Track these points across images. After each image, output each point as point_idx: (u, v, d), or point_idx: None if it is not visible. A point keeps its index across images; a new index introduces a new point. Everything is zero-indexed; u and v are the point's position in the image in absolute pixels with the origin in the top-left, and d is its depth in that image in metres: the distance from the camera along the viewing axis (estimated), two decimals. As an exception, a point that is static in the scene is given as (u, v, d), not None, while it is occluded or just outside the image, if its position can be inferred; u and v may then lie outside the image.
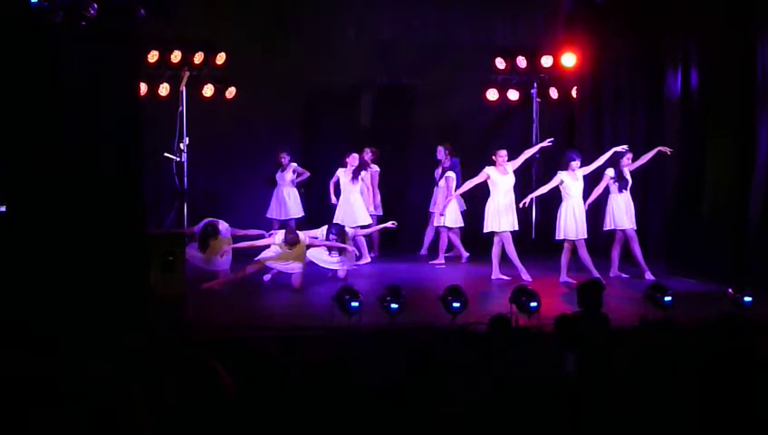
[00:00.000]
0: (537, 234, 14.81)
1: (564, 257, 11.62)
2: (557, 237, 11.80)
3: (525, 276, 11.66)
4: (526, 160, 12.53)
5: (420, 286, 11.07)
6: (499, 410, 3.66)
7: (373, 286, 10.34)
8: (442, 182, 13.32)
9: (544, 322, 8.43)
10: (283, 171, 13.90)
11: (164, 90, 13.60)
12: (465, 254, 13.55)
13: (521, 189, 12.26)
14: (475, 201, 12.45)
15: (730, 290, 9.38)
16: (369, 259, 13.35)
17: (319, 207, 14.08)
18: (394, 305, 8.69)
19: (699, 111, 11.92)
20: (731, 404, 3.88)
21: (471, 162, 13.09)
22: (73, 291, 8.04)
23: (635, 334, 5.89)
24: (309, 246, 11.45)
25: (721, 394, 3.92)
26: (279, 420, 3.88)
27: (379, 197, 13.94)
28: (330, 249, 11.67)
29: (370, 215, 13.72)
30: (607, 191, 11.94)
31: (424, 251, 14.03)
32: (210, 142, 13.90)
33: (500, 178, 11.89)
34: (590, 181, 11.97)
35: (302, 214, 13.95)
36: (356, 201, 13.16)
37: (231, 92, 14.16)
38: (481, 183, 11.96)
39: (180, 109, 13.22)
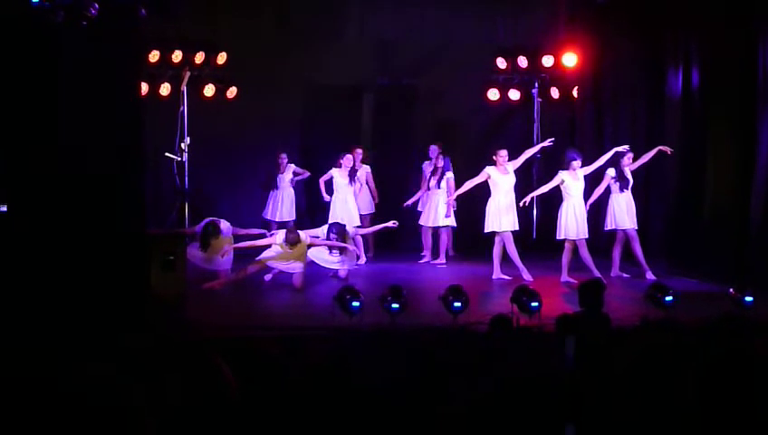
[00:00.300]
0: (538, 234, 14.80)
1: (565, 257, 11.62)
2: (558, 237, 11.79)
3: (526, 276, 11.65)
4: (527, 160, 12.52)
5: (421, 286, 11.07)
6: (499, 410, 3.66)
7: (374, 286, 10.34)
8: (443, 184, 13.28)
9: (545, 322, 8.42)
10: (282, 173, 13.87)
11: (165, 90, 13.61)
12: (426, 255, 13.51)
13: (521, 189, 12.25)
14: (476, 201, 12.44)
15: (731, 290, 9.38)
16: (364, 259, 13.36)
17: (322, 206, 14.05)
18: (395, 305, 8.69)
19: (700, 111, 11.92)
20: (732, 404, 3.88)
21: (471, 162, 13.10)
22: (74, 291, 8.04)
23: (636, 334, 5.88)
24: (310, 246, 11.46)
25: (722, 394, 3.91)
26: (279, 421, 3.88)
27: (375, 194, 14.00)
28: (330, 249, 11.67)
29: (367, 214, 13.75)
30: (608, 191, 11.94)
31: (424, 252, 14.03)
32: (211, 142, 13.91)
33: (501, 177, 11.89)
34: (592, 181, 11.96)
35: (294, 217, 13.93)
36: (351, 201, 13.16)
37: (232, 92, 14.16)
38: (481, 183, 11.96)
39: (181, 109, 13.23)
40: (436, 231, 13.54)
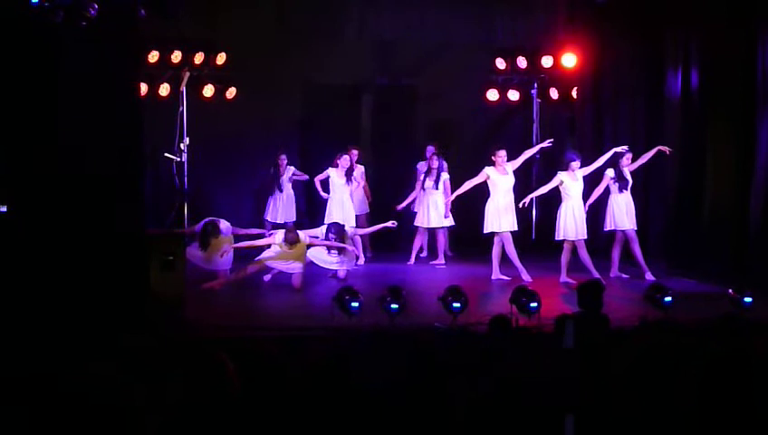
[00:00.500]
0: (537, 234, 14.80)
1: (564, 258, 11.62)
2: (557, 238, 11.80)
3: (525, 277, 11.65)
4: (526, 161, 12.52)
5: (420, 287, 11.07)
6: (499, 411, 3.67)
7: (373, 287, 10.34)
8: (440, 186, 13.28)
9: (544, 322, 8.43)
10: (282, 175, 13.83)
11: (164, 90, 13.60)
12: (413, 259, 13.54)
13: (521, 190, 12.25)
14: (475, 202, 12.44)
15: (730, 290, 9.38)
16: (363, 260, 13.36)
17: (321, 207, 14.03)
18: (394, 306, 8.69)
19: (700, 111, 11.92)
20: (731, 404, 3.88)
21: (470, 163, 13.10)
22: (73, 291, 8.04)
23: (635, 335, 5.89)
24: (309, 246, 11.46)
25: (721, 394, 3.92)
26: (279, 420, 3.88)
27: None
28: (329, 249, 11.67)
29: (361, 214, 13.75)
30: (607, 192, 11.94)
31: (424, 253, 14.03)
32: (210, 142, 13.91)
33: (499, 178, 11.89)
34: (591, 182, 11.96)
35: (294, 218, 13.92)
36: (347, 201, 13.15)
37: (231, 93, 14.16)
38: (480, 183, 11.95)
39: (180, 109, 13.23)
40: (432, 232, 13.55)
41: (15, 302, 7.86)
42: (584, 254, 11.60)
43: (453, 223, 13.36)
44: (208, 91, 14.02)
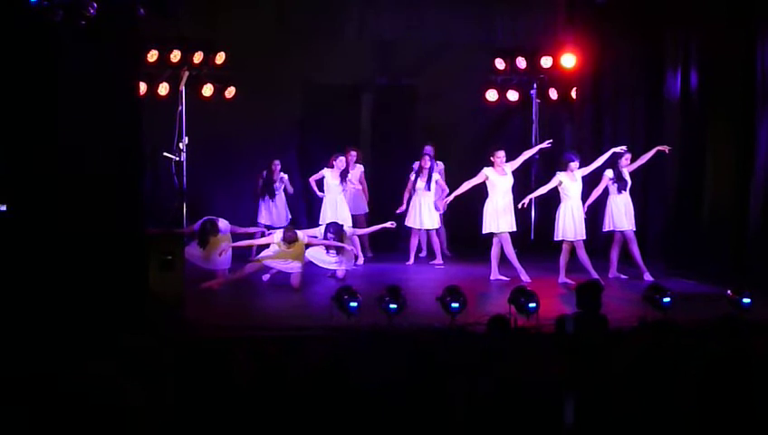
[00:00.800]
0: (536, 235, 14.80)
1: (563, 258, 11.63)
2: (556, 238, 11.80)
3: (524, 277, 11.65)
4: (525, 161, 12.52)
5: (419, 287, 11.07)
6: (498, 411, 3.67)
7: (372, 287, 10.34)
8: (432, 186, 13.29)
9: (543, 323, 8.44)
10: (276, 181, 13.76)
11: (163, 89, 13.59)
12: (412, 259, 13.56)
13: (520, 190, 12.25)
14: (473, 202, 12.43)
15: (729, 291, 9.38)
16: (362, 260, 13.36)
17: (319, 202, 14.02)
18: (393, 306, 8.70)
19: (699, 112, 11.92)
20: (730, 404, 3.89)
21: (469, 163, 13.09)
22: (72, 290, 8.04)
23: (634, 335, 5.90)
24: (308, 245, 11.46)
25: (720, 395, 3.92)
26: (278, 420, 3.88)
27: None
28: (328, 248, 11.68)
29: (361, 214, 13.74)
30: (606, 192, 11.94)
31: (423, 253, 14.04)
32: (209, 142, 13.89)
33: (498, 179, 11.88)
34: (590, 182, 11.96)
35: (288, 220, 13.89)
36: (341, 203, 13.13)
37: (230, 92, 14.15)
38: (479, 184, 11.95)
39: (180, 108, 13.19)
40: (427, 232, 13.57)
41: (15, 301, 7.86)
42: (583, 254, 11.60)
43: (440, 224, 13.41)
44: (208, 90, 14.01)
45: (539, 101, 15.25)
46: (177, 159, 13.00)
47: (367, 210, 13.93)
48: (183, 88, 13.29)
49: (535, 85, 15.20)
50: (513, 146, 13.23)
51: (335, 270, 11.90)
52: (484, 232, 12.00)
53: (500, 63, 15.11)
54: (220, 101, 14.10)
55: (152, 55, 13.42)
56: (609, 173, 11.85)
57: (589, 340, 6.03)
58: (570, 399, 3.99)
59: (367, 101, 15.40)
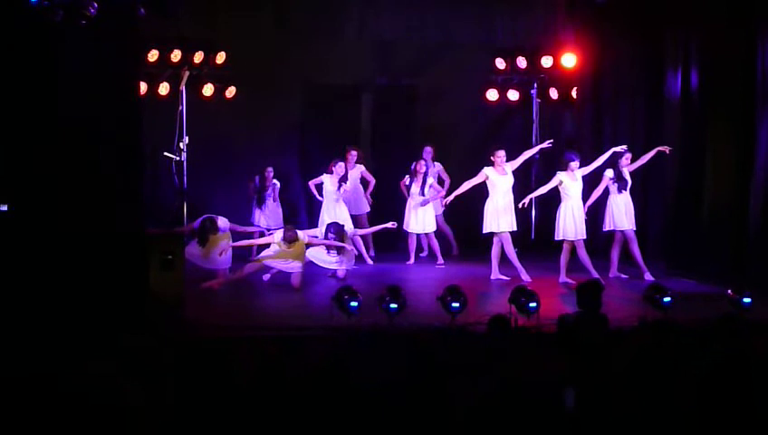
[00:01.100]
0: (536, 234, 14.80)
1: (563, 258, 11.63)
2: (556, 238, 11.80)
3: (524, 277, 11.65)
4: (525, 161, 12.51)
5: (419, 286, 11.07)
6: (499, 411, 3.67)
7: (372, 286, 10.34)
8: (427, 191, 13.29)
9: (543, 322, 8.44)
10: (268, 187, 13.72)
11: (164, 89, 13.59)
12: (413, 259, 13.58)
13: (520, 190, 12.25)
14: (474, 202, 12.43)
15: (729, 291, 9.38)
16: (370, 260, 13.37)
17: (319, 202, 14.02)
18: (393, 305, 8.70)
19: (700, 112, 11.91)
20: (730, 404, 3.89)
21: (470, 163, 13.09)
22: (73, 290, 8.04)
23: (634, 335, 5.89)
24: (308, 245, 11.46)
25: (720, 395, 3.92)
26: (278, 420, 3.88)
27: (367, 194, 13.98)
28: (328, 248, 11.68)
29: (361, 214, 13.73)
30: (606, 192, 11.94)
31: (424, 253, 14.05)
32: (210, 142, 13.89)
33: (498, 178, 11.88)
34: (590, 182, 11.96)
35: (281, 223, 13.85)
36: (339, 208, 13.09)
37: (231, 92, 14.15)
38: (479, 184, 11.95)
39: (180, 108, 13.20)
40: (426, 234, 13.60)
41: (15, 301, 7.86)
42: (583, 254, 11.61)
43: (435, 227, 13.44)
44: (208, 90, 14.01)
45: (539, 100, 15.26)
46: (178, 158, 13.00)
47: (368, 210, 13.92)
48: (183, 88, 13.29)
49: (536, 85, 15.21)
50: (514, 146, 13.23)
51: (335, 270, 11.90)
52: (484, 232, 12.00)
53: (500, 63, 15.12)
54: (220, 101, 14.10)
55: (152, 55, 13.42)
56: (609, 173, 11.85)
57: (589, 339, 6.03)
58: (570, 398, 3.99)
59: (367, 101, 15.40)
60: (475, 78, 15.20)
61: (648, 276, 11.63)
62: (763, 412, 3.88)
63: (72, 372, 3.15)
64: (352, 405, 3.87)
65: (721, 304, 9.18)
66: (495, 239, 11.95)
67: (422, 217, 13.37)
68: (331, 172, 13.06)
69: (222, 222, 11.49)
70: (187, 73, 13.39)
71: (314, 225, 13.11)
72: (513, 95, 15.36)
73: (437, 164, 13.90)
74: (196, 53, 13.73)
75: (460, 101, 15.30)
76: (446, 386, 4.10)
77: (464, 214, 13.54)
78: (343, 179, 13.08)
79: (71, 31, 8.22)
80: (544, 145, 12.50)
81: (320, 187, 13.24)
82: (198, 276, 11.03)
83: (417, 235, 13.59)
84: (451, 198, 12.23)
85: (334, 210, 12.94)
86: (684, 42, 12.26)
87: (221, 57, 13.93)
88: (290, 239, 11.14)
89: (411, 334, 7.34)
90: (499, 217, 11.82)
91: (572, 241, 11.59)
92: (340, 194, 13.04)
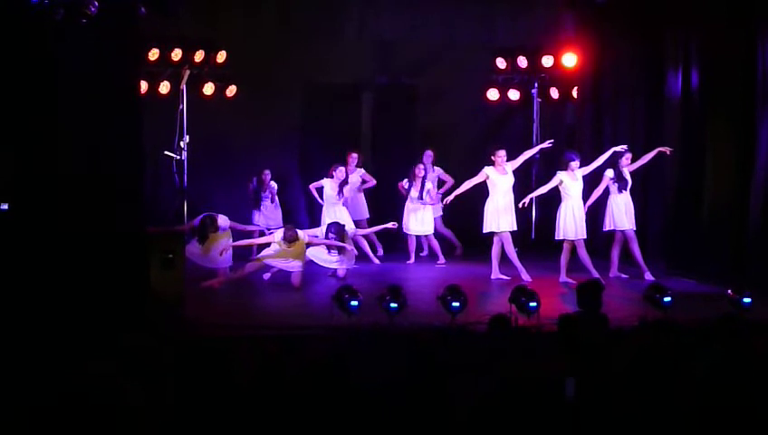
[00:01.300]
0: (537, 234, 14.80)
1: (564, 258, 11.62)
2: (556, 238, 11.79)
3: (525, 276, 11.65)
4: (526, 161, 12.51)
5: (420, 286, 11.07)
6: (499, 410, 3.67)
7: (372, 286, 10.34)
8: (425, 196, 13.28)
9: (544, 322, 8.44)
10: (265, 190, 13.70)
11: (164, 88, 13.58)
12: (413, 259, 13.59)
13: (520, 190, 12.25)
14: (474, 201, 12.42)
15: (729, 291, 9.38)
16: (377, 260, 13.35)
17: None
18: (393, 305, 8.69)
19: (700, 111, 11.91)
20: (730, 404, 3.89)
21: (470, 162, 13.09)
22: (73, 290, 8.04)
23: (634, 335, 5.90)
24: (308, 244, 11.46)
25: (720, 394, 3.92)
26: (279, 419, 3.88)
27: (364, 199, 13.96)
28: (329, 248, 11.68)
29: (362, 219, 13.72)
30: (607, 192, 11.94)
31: (424, 252, 14.05)
32: (210, 141, 13.89)
33: (499, 178, 11.88)
34: (590, 182, 11.96)
35: (281, 223, 13.84)
36: (339, 212, 13.07)
37: (231, 91, 14.15)
38: (479, 183, 11.94)
39: (181, 107, 13.19)
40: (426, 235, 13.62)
41: (16, 301, 7.86)
42: (584, 254, 11.60)
43: (433, 230, 13.46)
44: (208, 89, 14.01)
45: (540, 100, 15.25)
46: (178, 157, 13.01)
47: (368, 216, 13.88)
48: (184, 87, 13.28)
49: (536, 84, 15.20)
50: (514, 145, 13.23)
51: (336, 269, 11.90)
52: (484, 231, 12.00)
53: (501, 63, 15.12)
54: (221, 100, 14.10)
55: (153, 54, 13.42)
56: (609, 173, 11.84)
57: (589, 339, 6.03)
58: (570, 387, 3.99)
59: (367, 101, 15.39)
60: (475, 77, 15.20)
61: (649, 276, 11.62)
62: (763, 412, 3.88)
63: (72, 373, 3.15)
64: (352, 404, 3.87)
65: (721, 303, 9.17)
66: (496, 239, 11.94)
67: (421, 218, 13.36)
68: (332, 176, 13.04)
69: (222, 220, 11.49)
70: (188, 72, 13.39)
71: (314, 225, 13.09)
72: (513, 95, 15.36)
73: (437, 169, 13.90)
74: (197, 52, 13.73)
75: (461, 100, 15.30)
76: (447, 386, 4.10)
77: (464, 213, 13.53)
78: (344, 184, 13.05)
79: (71, 29, 8.22)
80: (545, 145, 12.49)
81: (320, 190, 13.23)
82: (199, 275, 11.03)
83: (417, 235, 13.60)
84: (451, 197, 12.20)
85: (335, 213, 12.93)
86: (684, 41, 12.26)
87: (221, 56, 13.93)
88: (290, 239, 11.14)
89: (411, 334, 7.34)
90: (499, 216, 11.82)
91: (573, 241, 11.58)
92: (340, 198, 13.01)
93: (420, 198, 13.28)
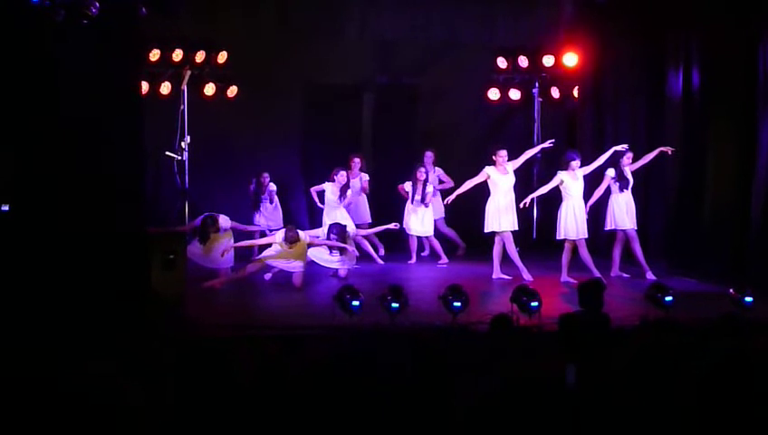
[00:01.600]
0: (538, 233, 14.80)
1: (565, 257, 11.62)
2: (558, 237, 11.79)
3: (526, 276, 11.65)
4: (527, 161, 12.51)
5: (421, 286, 11.07)
6: (500, 410, 3.66)
7: (374, 286, 10.34)
8: (427, 199, 13.29)
9: (545, 321, 8.44)
10: (264, 193, 13.68)
11: (165, 88, 13.59)
12: (414, 258, 13.59)
13: (521, 189, 12.25)
14: (475, 201, 12.42)
15: (731, 290, 9.38)
16: (381, 261, 13.34)
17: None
18: (395, 305, 8.69)
19: (701, 111, 11.91)
20: (731, 404, 3.88)
21: (471, 162, 13.09)
22: (74, 289, 8.05)
23: (636, 334, 5.89)
24: (310, 245, 11.46)
25: (721, 394, 3.91)
26: (279, 419, 3.88)
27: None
28: (330, 248, 11.67)
29: (364, 223, 13.70)
30: (608, 191, 11.93)
31: (425, 252, 14.04)
32: (211, 141, 13.89)
33: (500, 177, 11.88)
34: (591, 181, 11.95)
35: (281, 224, 13.82)
36: (340, 215, 13.05)
37: (232, 91, 14.15)
38: (480, 183, 11.94)
39: (181, 107, 13.20)
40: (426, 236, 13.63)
41: (16, 301, 7.87)
42: (585, 253, 11.60)
43: (432, 232, 13.49)
44: (209, 89, 14.01)
45: (541, 99, 15.26)
46: (179, 158, 13.01)
47: (369, 220, 13.85)
48: (185, 87, 13.29)
49: (537, 84, 15.21)
50: (515, 145, 13.24)
51: (337, 269, 11.90)
52: (486, 231, 12.00)
53: (502, 62, 15.12)
54: (222, 100, 14.10)
55: (154, 54, 13.42)
56: (610, 172, 11.84)
57: (591, 338, 6.03)
58: (571, 398, 3.99)
59: (368, 101, 15.38)
60: (476, 77, 15.20)
61: (650, 275, 11.62)
62: (763, 412, 3.88)
63: (72, 373, 3.15)
64: (354, 404, 3.86)
65: (722, 303, 9.18)
66: (497, 238, 11.94)
67: (422, 219, 13.35)
68: (333, 180, 12.99)
69: (223, 220, 11.50)
70: (189, 73, 13.39)
71: (315, 226, 13.08)
72: (514, 94, 15.36)
73: (438, 169, 13.89)
74: (198, 53, 13.74)
75: (461, 100, 15.30)
76: (448, 385, 4.10)
77: (465, 213, 13.52)
78: (345, 188, 13.00)
79: (72, 30, 8.23)
80: (546, 145, 12.49)
81: (321, 194, 13.21)
82: (200, 275, 11.04)
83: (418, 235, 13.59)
84: (452, 197, 12.19)
85: (335, 218, 12.92)
86: (685, 41, 12.26)
87: (222, 56, 13.93)
88: (291, 240, 11.14)
89: (413, 334, 7.34)
90: (501, 216, 11.82)
91: (574, 240, 11.58)
92: (341, 202, 12.97)
93: (422, 201, 13.27)
